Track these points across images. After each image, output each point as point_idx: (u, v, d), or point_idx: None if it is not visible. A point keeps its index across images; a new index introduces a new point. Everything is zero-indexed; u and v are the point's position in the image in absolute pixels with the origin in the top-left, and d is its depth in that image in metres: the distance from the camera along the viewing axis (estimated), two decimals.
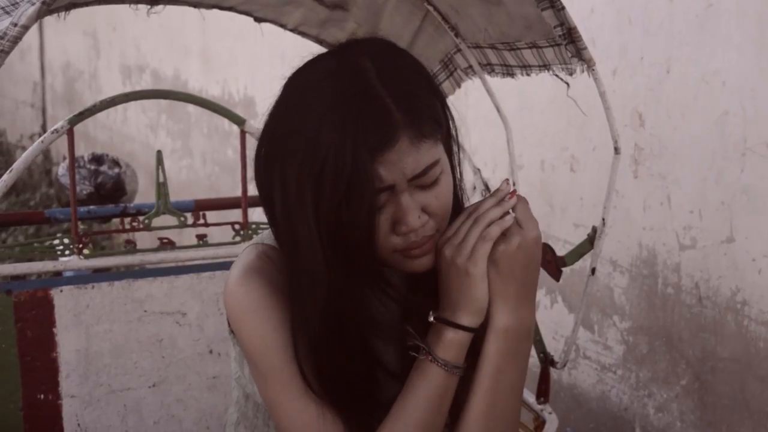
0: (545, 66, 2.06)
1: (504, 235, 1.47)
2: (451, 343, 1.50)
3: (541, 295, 3.14)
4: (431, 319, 1.51)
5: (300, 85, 1.45)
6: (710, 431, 2.55)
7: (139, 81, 6.83)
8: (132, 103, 7.00)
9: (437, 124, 1.44)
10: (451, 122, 1.52)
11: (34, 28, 9.29)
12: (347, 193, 1.36)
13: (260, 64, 5.07)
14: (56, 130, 2.38)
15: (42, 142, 2.37)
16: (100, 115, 7.77)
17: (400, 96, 1.40)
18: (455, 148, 1.54)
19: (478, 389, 1.52)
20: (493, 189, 1.57)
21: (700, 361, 2.55)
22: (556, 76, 2.06)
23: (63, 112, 8.22)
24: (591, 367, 2.98)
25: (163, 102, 6.38)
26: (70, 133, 2.41)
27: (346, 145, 1.35)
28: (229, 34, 5.39)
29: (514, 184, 1.54)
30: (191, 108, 5.86)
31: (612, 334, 2.88)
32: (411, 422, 1.51)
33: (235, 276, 1.54)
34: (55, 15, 1.88)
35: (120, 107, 7.23)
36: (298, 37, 2.40)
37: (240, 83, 5.30)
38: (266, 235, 1.61)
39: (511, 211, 1.48)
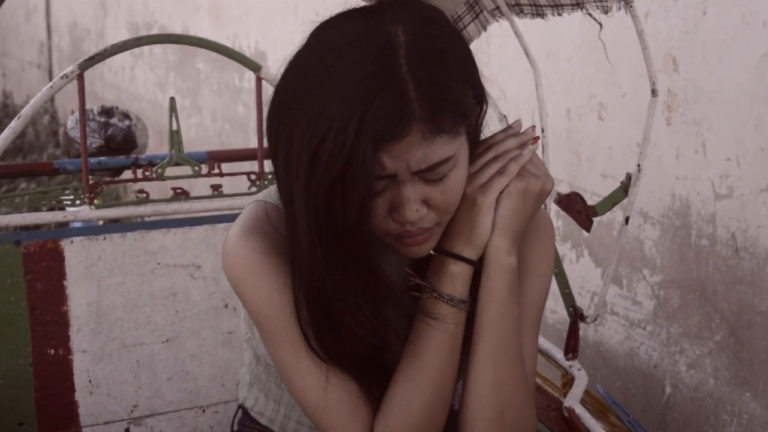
0: (578, 4, 1.96)
1: (524, 172, 1.45)
2: (454, 277, 1.45)
3: (566, 249, 3.06)
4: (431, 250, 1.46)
5: (322, 45, 1.34)
6: (746, 388, 2.46)
7: None
8: (140, 61, 6.94)
9: (462, 117, 1.34)
10: (485, 106, 1.44)
11: None
12: (342, 175, 1.28)
13: (272, 18, 4.97)
14: (66, 75, 2.29)
15: (51, 87, 2.28)
16: (108, 75, 7.70)
17: (426, 84, 1.29)
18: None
19: (486, 333, 1.47)
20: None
21: (735, 315, 2.47)
22: (590, 15, 1.97)
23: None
24: (619, 323, 2.90)
25: (171, 59, 6.31)
26: (80, 78, 2.32)
27: (350, 127, 1.26)
28: None
29: (536, 129, 1.52)
30: (201, 64, 5.78)
31: (642, 288, 2.79)
32: (425, 365, 1.46)
33: (234, 237, 1.48)
34: None
35: (128, 65, 7.16)
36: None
37: (251, 38, 5.21)
38: (273, 191, 1.53)
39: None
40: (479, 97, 1.40)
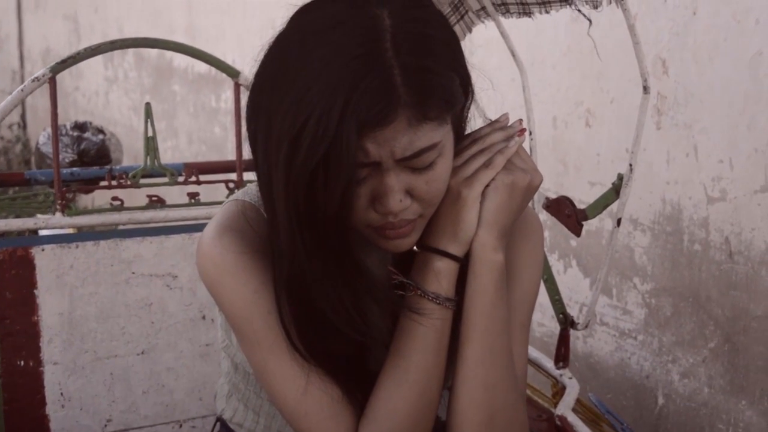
0: (567, 1, 1.92)
1: (512, 166, 1.40)
2: (439, 273, 1.39)
3: (553, 260, 3.00)
4: (414, 247, 1.40)
5: (304, 28, 1.28)
6: (742, 396, 2.40)
7: (122, 63, 6.69)
8: (114, 86, 6.88)
9: (448, 104, 1.29)
10: (471, 96, 1.38)
11: (13, 15, 9.16)
12: (324, 162, 1.22)
13: (249, 37, 4.94)
14: (37, 79, 2.23)
15: (22, 90, 2.23)
16: (81, 100, 7.62)
17: (412, 69, 1.24)
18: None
19: (473, 333, 1.41)
20: None
21: (730, 321, 2.41)
22: (579, 11, 1.93)
23: (43, 101, 8.06)
24: (609, 334, 2.84)
25: (146, 82, 6.25)
26: (52, 82, 2.26)
27: (333, 112, 1.20)
28: (216, 9, 5.27)
29: (522, 122, 1.46)
30: (176, 86, 5.74)
31: (632, 297, 2.73)
32: (410, 366, 1.39)
33: (208, 235, 1.42)
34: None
35: (102, 91, 7.10)
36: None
37: (228, 58, 5.16)
38: (252, 189, 1.47)
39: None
40: (465, 85, 1.35)
